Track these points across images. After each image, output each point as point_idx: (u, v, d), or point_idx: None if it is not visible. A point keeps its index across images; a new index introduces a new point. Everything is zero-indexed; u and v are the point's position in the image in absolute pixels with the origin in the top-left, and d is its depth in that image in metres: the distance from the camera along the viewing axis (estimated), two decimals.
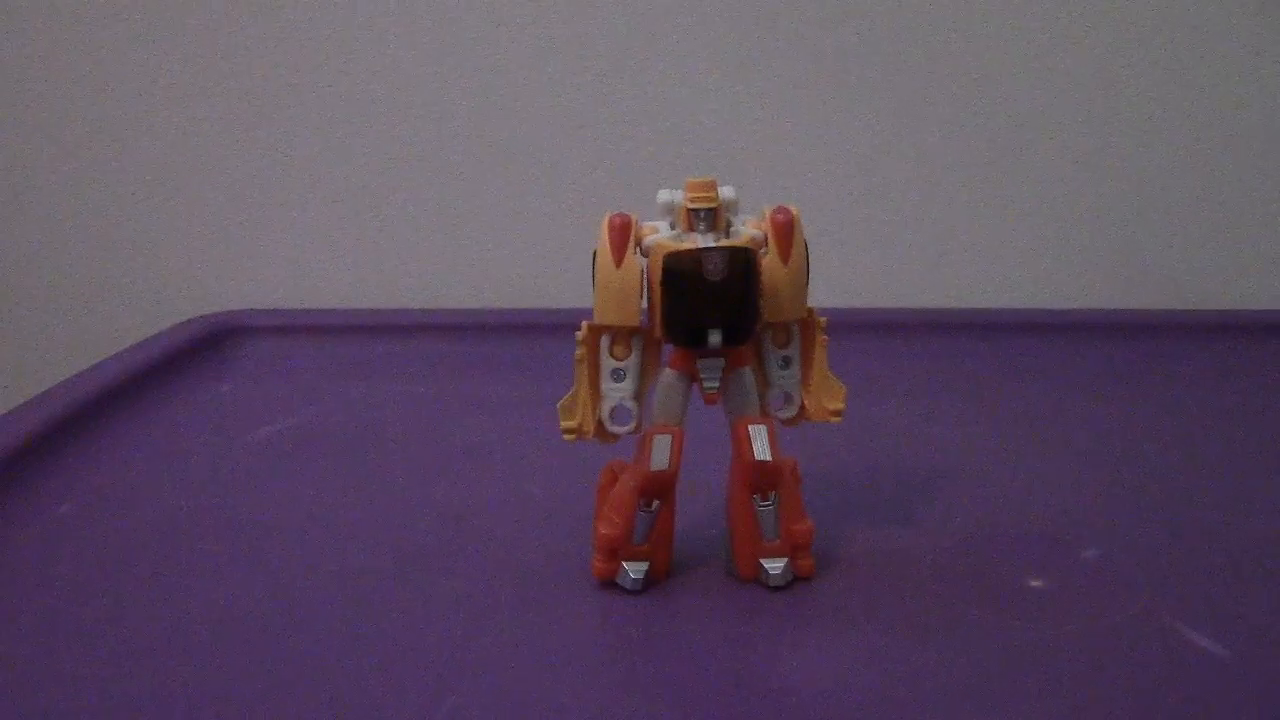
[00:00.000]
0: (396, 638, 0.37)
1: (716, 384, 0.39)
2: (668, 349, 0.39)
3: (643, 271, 0.38)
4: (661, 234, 0.38)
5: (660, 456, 0.38)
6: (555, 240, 0.78)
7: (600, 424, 0.40)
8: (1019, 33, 0.74)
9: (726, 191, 0.38)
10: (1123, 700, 0.33)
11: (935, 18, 0.74)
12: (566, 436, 0.39)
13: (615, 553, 0.40)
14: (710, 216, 0.37)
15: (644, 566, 0.40)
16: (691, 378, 0.39)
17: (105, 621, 0.38)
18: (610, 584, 0.40)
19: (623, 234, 0.38)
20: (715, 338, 0.37)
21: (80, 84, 0.77)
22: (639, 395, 0.40)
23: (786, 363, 0.40)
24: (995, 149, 0.76)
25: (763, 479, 0.39)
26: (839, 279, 0.77)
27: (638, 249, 0.38)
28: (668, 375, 0.39)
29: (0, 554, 0.44)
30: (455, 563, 0.43)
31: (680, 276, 0.36)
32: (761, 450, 0.39)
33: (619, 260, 0.38)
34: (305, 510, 0.48)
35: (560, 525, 0.45)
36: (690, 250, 0.37)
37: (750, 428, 0.39)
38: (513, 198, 0.78)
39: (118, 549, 0.44)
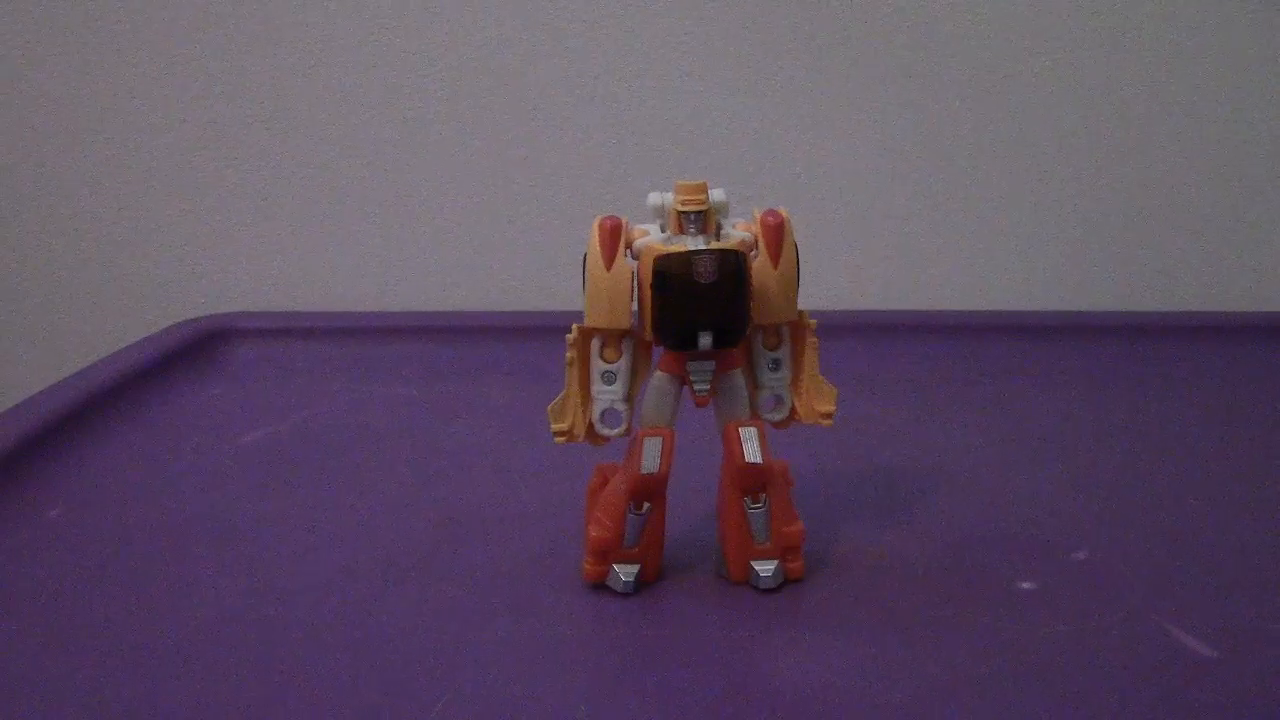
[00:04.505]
0: (386, 641, 0.37)
1: (707, 386, 0.39)
2: (658, 351, 0.39)
3: (633, 274, 0.38)
4: (652, 237, 0.38)
5: (651, 459, 0.38)
6: (545, 243, 0.78)
7: (591, 426, 0.40)
8: (1013, 34, 0.75)
9: (717, 194, 0.38)
10: (1112, 701, 0.33)
11: (928, 19, 0.74)
12: (557, 439, 0.39)
13: (606, 555, 0.40)
14: (700, 219, 0.37)
15: (635, 569, 0.40)
16: (682, 380, 0.39)
17: (95, 625, 0.38)
18: (601, 586, 0.40)
19: (613, 237, 0.38)
20: (705, 340, 0.37)
21: (70, 86, 0.76)
22: (629, 398, 0.40)
23: (777, 365, 0.40)
24: (987, 152, 0.77)
25: (753, 481, 0.39)
26: (830, 281, 0.77)
27: (628, 251, 0.38)
28: (658, 378, 0.39)
29: None
30: (445, 566, 0.43)
31: (670, 279, 0.36)
32: (752, 453, 0.39)
33: (609, 263, 0.38)
34: (295, 514, 0.48)
35: (551, 528, 0.45)
36: (680, 253, 0.37)
37: (741, 430, 0.39)
38: (502, 201, 0.78)
39: (108, 553, 0.44)
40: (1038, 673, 0.35)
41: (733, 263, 0.36)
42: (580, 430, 0.39)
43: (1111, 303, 0.78)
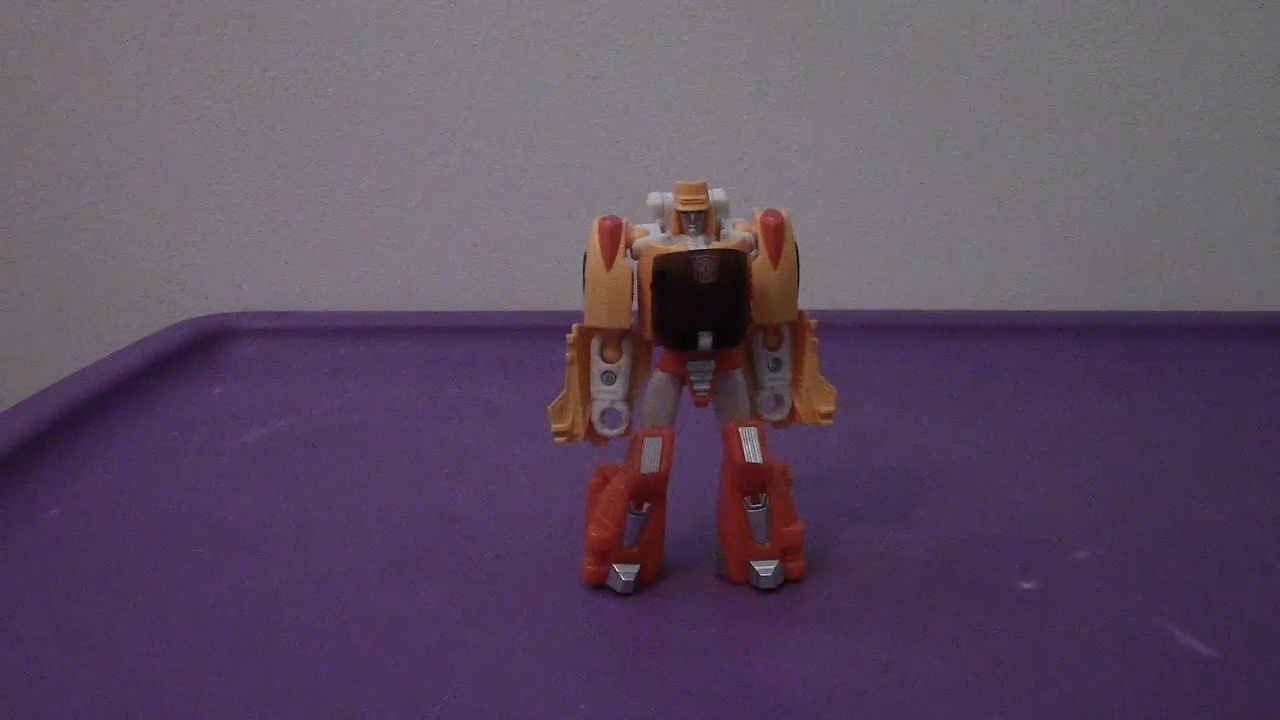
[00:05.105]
0: (386, 640, 0.37)
1: (707, 386, 0.39)
2: (658, 351, 0.39)
3: (633, 274, 0.38)
4: (652, 236, 0.38)
5: (651, 459, 0.38)
6: (546, 243, 0.78)
7: (591, 426, 0.40)
8: (1010, 34, 0.75)
9: (717, 194, 0.38)
10: (1112, 701, 0.33)
11: (926, 20, 0.74)
12: (557, 439, 0.39)
13: (606, 555, 0.40)
14: (700, 219, 0.37)
15: (635, 569, 0.40)
16: (682, 380, 0.39)
17: (95, 625, 0.38)
18: (601, 586, 0.40)
19: (613, 237, 0.38)
20: (705, 340, 0.37)
21: (71, 86, 0.76)
22: (629, 398, 0.40)
23: (777, 365, 0.40)
24: (986, 151, 0.77)
25: (753, 481, 0.39)
26: (829, 281, 0.78)
27: (628, 251, 0.38)
28: (658, 378, 0.39)
29: None
30: (445, 565, 0.43)
31: (670, 279, 0.36)
32: (752, 453, 0.39)
33: (609, 263, 0.38)
34: (295, 513, 0.48)
35: (551, 528, 0.45)
36: (680, 253, 0.37)
37: (741, 430, 0.39)
38: (503, 200, 0.78)
39: (107, 553, 0.44)
40: (1038, 673, 0.35)
41: (733, 263, 0.36)
42: (580, 430, 0.39)
43: (1111, 303, 0.78)
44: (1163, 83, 0.75)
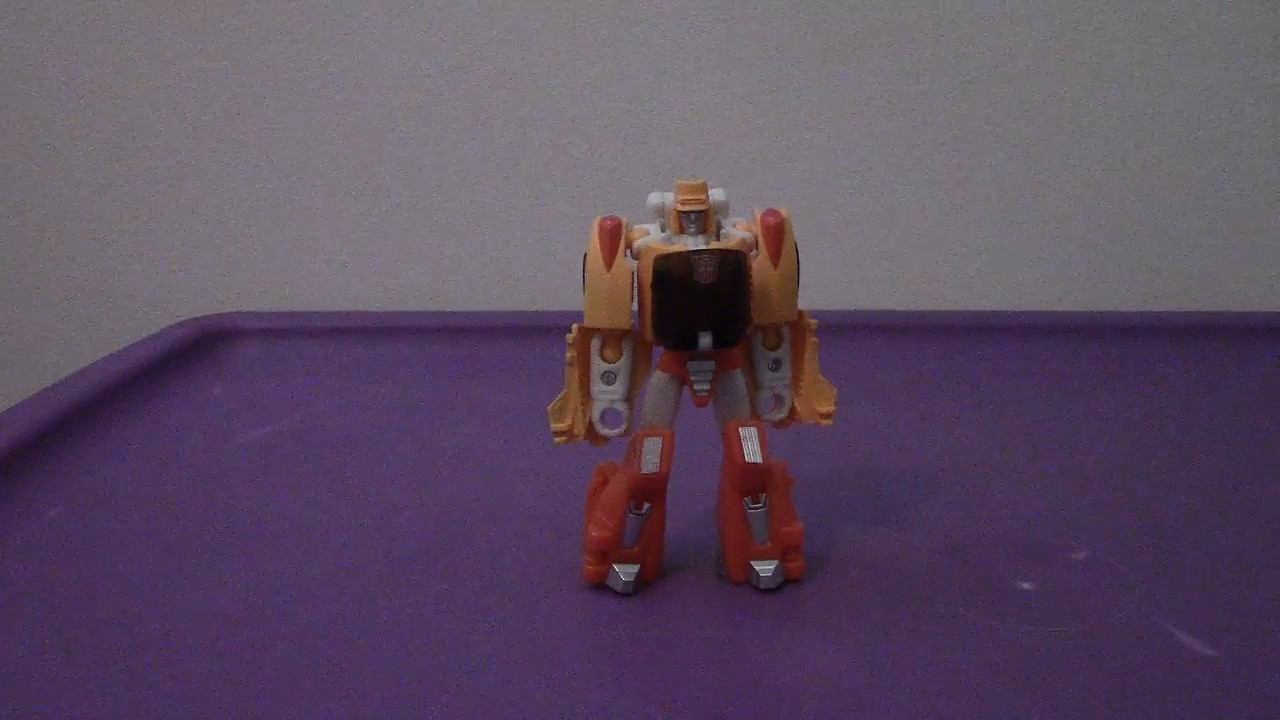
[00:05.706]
0: (387, 640, 0.37)
1: (707, 386, 0.39)
2: (658, 351, 0.39)
3: (633, 274, 0.38)
4: (652, 236, 0.38)
5: (651, 459, 0.38)
6: (546, 243, 0.78)
7: (591, 426, 0.40)
8: (1013, 34, 0.75)
9: (717, 194, 0.38)
10: (1112, 701, 0.33)
11: (928, 18, 0.74)
12: (557, 439, 0.39)
13: (606, 555, 0.40)
14: (700, 219, 0.37)
15: (634, 569, 0.40)
16: (682, 380, 0.39)
17: (95, 625, 0.38)
18: (601, 586, 0.40)
19: (613, 238, 0.38)
20: (705, 340, 0.37)
21: (71, 87, 0.76)
22: (629, 398, 0.40)
23: (777, 365, 0.40)
24: (986, 151, 0.77)
25: (753, 481, 0.39)
26: (830, 281, 0.78)
27: (628, 251, 0.38)
28: (658, 378, 0.39)
29: None
30: (446, 565, 0.43)
31: (670, 279, 0.37)
32: (752, 453, 0.39)
33: (609, 263, 0.38)
34: (296, 513, 0.48)
35: (551, 528, 0.45)
36: (681, 253, 0.37)
37: (741, 430, 0.39)
38: (503, 201, 0.78)
39: (108, 553, 0.44)
40: (1038, 673, 0.35)
41: (733, 263, 0.36)
42: (580, 430, 0.39)
43: (1110, 303, 0.78)
44: (1163, 83, 0.75)
